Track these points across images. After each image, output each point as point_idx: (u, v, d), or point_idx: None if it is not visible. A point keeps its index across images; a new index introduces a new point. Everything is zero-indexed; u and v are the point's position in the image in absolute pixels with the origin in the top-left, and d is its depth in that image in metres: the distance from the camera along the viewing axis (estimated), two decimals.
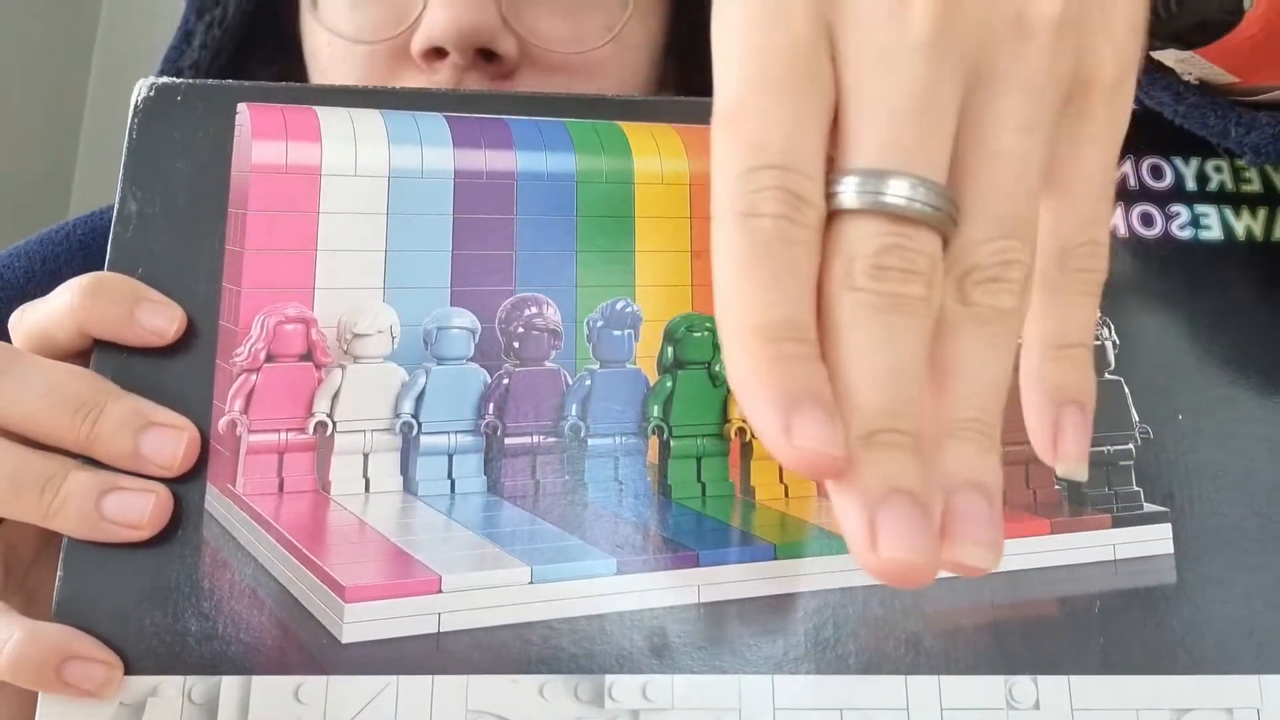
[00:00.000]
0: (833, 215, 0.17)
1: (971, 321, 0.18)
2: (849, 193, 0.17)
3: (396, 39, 0.38)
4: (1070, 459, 0.19)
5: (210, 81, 0.30)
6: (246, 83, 0.30)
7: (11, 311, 0.28)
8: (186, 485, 0.26)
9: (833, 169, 0.18)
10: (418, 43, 0.37)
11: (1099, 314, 0.29)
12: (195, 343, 0.27)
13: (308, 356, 0.28)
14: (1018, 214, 0.18)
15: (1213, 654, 0.27)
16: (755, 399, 0.17)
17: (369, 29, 0.39)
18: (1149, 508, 0.28)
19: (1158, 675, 0.26)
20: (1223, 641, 0.27)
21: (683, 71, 0.45)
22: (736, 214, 0.17)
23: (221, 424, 0.27)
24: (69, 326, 0.27)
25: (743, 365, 0.17)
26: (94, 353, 0.27)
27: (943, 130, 0.18)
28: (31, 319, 0.27)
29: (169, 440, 0.26)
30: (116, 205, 0.29)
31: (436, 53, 0.37)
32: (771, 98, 0.17)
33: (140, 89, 0.30)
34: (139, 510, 0.25)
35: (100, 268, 0.28)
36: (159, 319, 0.27)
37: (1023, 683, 0.26)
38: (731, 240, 0.17)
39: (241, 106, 0.29)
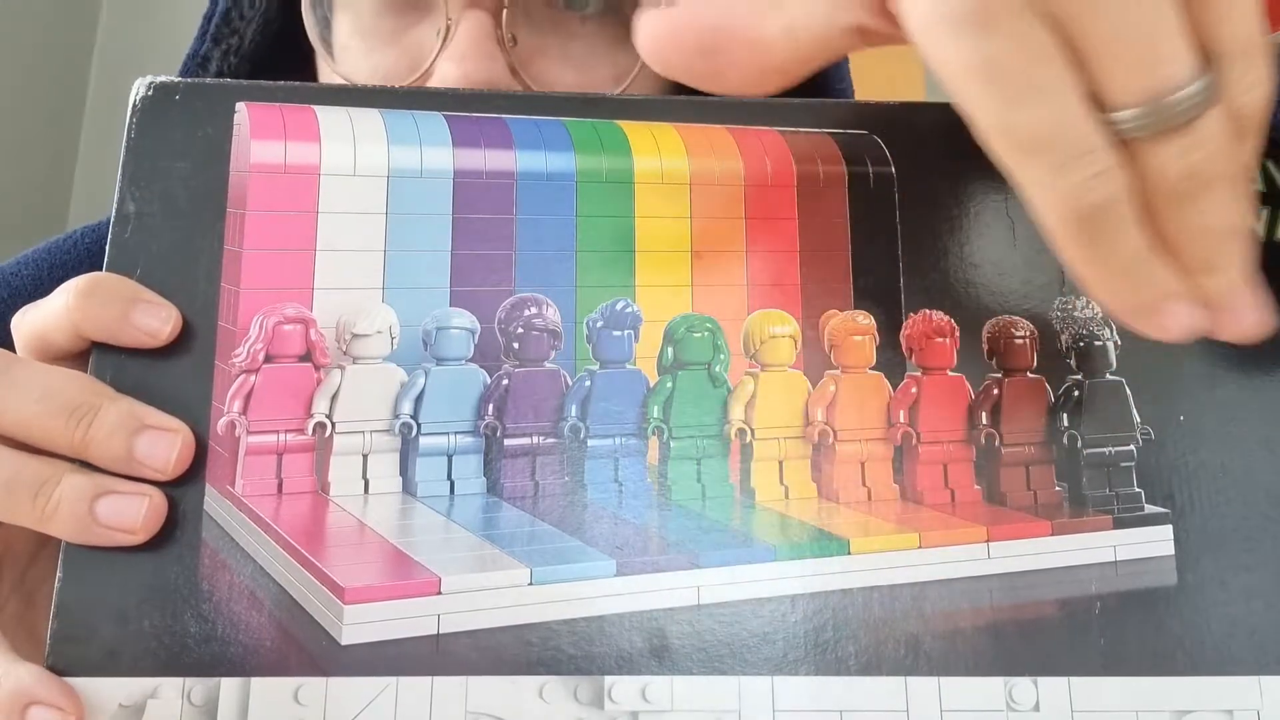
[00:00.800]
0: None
1: None
2: (1132, 126, 0.20)
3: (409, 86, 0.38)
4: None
5: (209, 80, 0.30)
6: (245, 81, 0.30)
7: None
8: (185, 487, 0.26)
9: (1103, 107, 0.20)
10: None
11: (1100, 314, 0.29)
12: (193, 344, 0.27)
13: (306, 357, 0.28)
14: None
15: (1213, 655, 0.27)
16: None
17: (381, 77, 0.39)
18: (1150, 509, 0.28)
19: (1158, 676, 0.26)
20: (1223, 643, 0.27)
21: None
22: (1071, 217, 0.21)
23: (220, 425, 0.27)
24: (65, 328, 0.26)
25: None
26: (92, 354, 0.27)
27: (1177, 31, 0.20)
28: (29, 321, 0.27)
29: (163, 443, 0.26)
30: (115, 205, 0.29)
31: None
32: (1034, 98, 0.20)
33: (138, 88, 0.30)
34: (132, 514, 0.25)
35: None
36: (153, 319, 0.27)
37: (1023, 684, 0.26)
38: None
39: (240, 105, 0.29)
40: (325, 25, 0.40)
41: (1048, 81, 0.20)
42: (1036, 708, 0.26)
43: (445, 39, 0.37)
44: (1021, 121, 0.20)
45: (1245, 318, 0.23)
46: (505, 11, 0.37)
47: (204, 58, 0.44)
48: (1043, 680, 0.26)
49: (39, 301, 0.28)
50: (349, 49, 0.40)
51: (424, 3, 0.38)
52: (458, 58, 0.36)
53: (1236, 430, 0.29)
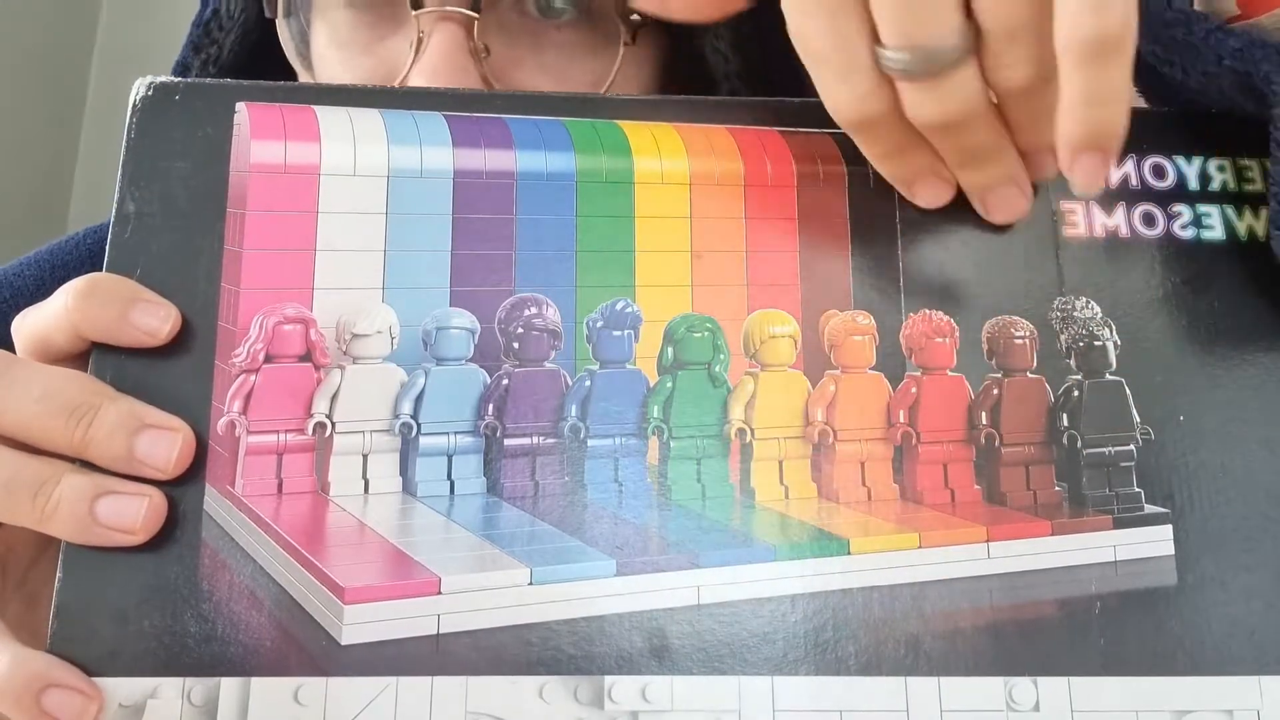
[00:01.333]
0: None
1: None
2: (893, 63, 0.25)
3: None
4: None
5: (209, 80, 0.30)
6: (246, 82, 0.30)
7: None
8: (185, 487, 0.26)
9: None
10: None
11: (1100, 314, 0.29)
12: (194, 343, 0.27)
13: (306, 357, 0.28)
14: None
15: (1213, 655, 0.27)
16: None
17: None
18: (1150, 509, 0.28)
19: (1158, 676, 0.26)
20: (1223, 643, 0.27)
21: None
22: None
23: (220, 425, 0.27)
24: (65, 329, 0.26)
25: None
26: (92, 354, 0.27)
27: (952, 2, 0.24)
28: (30, 323, 0.27)
29: (164, 442, 0.26)
30: (115, 205, 0.29)
31: None
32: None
33: (139, 88, 0.30)
34: (132, 514, 0.25)
35: None
36: (152, 318, 0.27)
37: (1023, 684, 0.26)
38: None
39: (240, 105, 0.29)
40: (303, 38, 0.41)
41: (837, 6, 0.25)
42: (1036, 708, 0.26)
43: (418, 51, 0.36)
44: (810, 32, 0.25)
45: (991, 205, 0.29)
46: (477, 23, 0.36)
47: (184, 66, 0.44)
48: (1042, 680, 0.26)
49: (39, 304, 0.28)
50: (325, 59, 0.40)
51: (398, 15, 0.38)
52: (429, 71, 0.36)
53: (1236, 430, 0.29)
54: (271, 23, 0.41)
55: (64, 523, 0.25)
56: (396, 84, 0.37)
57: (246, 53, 0.44)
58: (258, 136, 0.29)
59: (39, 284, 0.47)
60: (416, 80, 0.36)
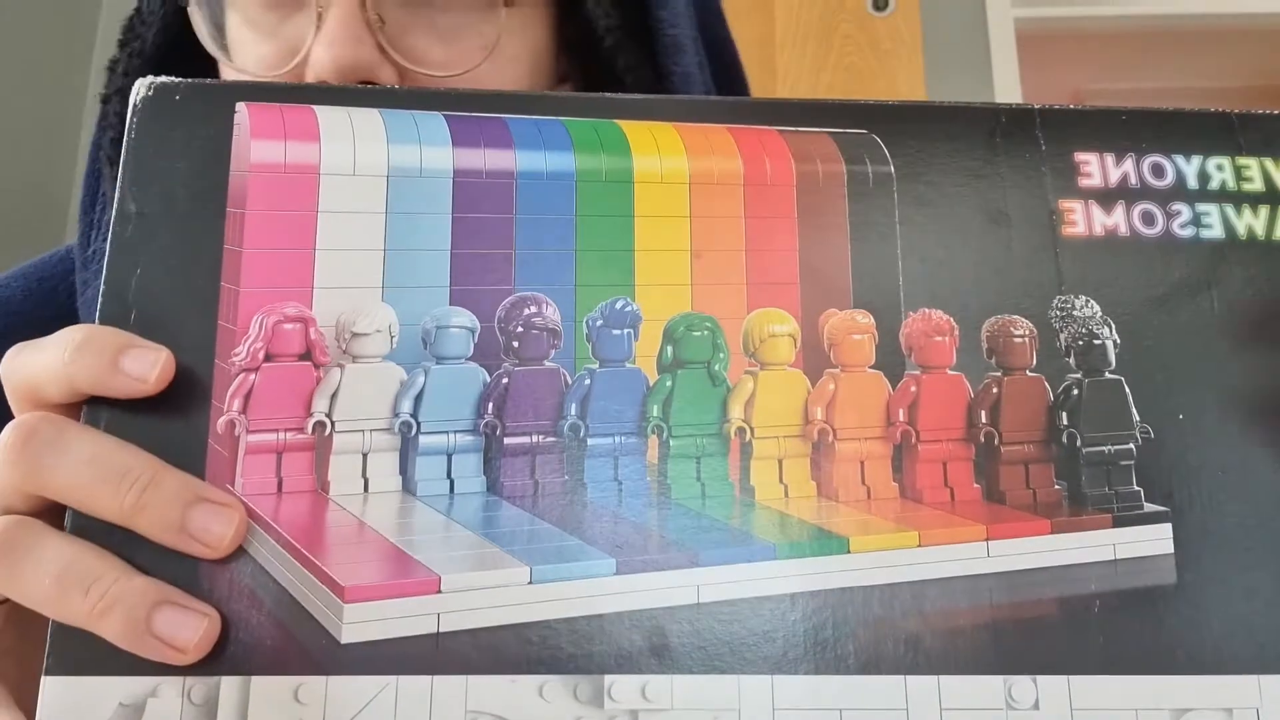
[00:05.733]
0: None
1: None
2: None
3: (290, 73, 0.40)
4: None
5: (210, 81, 0.30)
6: (247, 81, 0.30)
7: (11, 329, 0.28)
8: None
9: None
10: (308, 77, 0.39)
11: (1100, 313, 0.29)
12: (194, 343, 0.27)
13: (306, 356, 0.28)
14: None
15: (1213, 654, 0.27)
16: None
17: (266, 65, 0.41)
18: (1149, 507, 0.28)
19: (1157, 675, 0.26)
20: (1223, 641, 0.27)
21: (584, 67, 0.46)
22: None
23: (220, 424, 0.27)
24: (60, 381, 0.26)
25: None
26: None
27: None
28: (21, 369, 0.27)
29: (219, 518, 0.25)
30: (116, 204, 0.29)
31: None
32: None
33: (139, 88, 0.30)
34: (189, 633, 0.24)
35: None
36: (140, 364, 0.26)
37: (1022, 683, 0.26)
38: None
39: (240, 105, 0.29)
40: (217, 25, 0.43)
41: None
42: (1036, 706, 0.26)
43: (318, 26, 0.39)
44: None
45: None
46: None
47: (114, 61, 0.46)
48: (1042, 679, 0.26)
49: (32, 344, 0.27)
50: (239, 42, 0.42)
51: None
52: (328, 42, 0.39)
53: (1236, 429, 0.29)
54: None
55: (116, 626, 0.24)
56: (299, 58, 0.40)
57: (168, 45, 0.45)
58: (258, 136, 0.29)
59: (26, 293, 0.47)
60: (317, 52, 0.39)
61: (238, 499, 0.26)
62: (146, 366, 0.26)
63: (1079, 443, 0.28)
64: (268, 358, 0.27)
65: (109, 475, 0.25)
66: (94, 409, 0.27)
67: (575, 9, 0.44)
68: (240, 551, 0.26)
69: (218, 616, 0.25)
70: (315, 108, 0.30)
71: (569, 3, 0.44)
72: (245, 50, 0.41)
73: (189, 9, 0.43)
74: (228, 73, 0.43)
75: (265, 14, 0.41)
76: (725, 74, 0.50)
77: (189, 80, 0.30)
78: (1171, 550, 0.28)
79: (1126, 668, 0.26)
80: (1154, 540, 0.28)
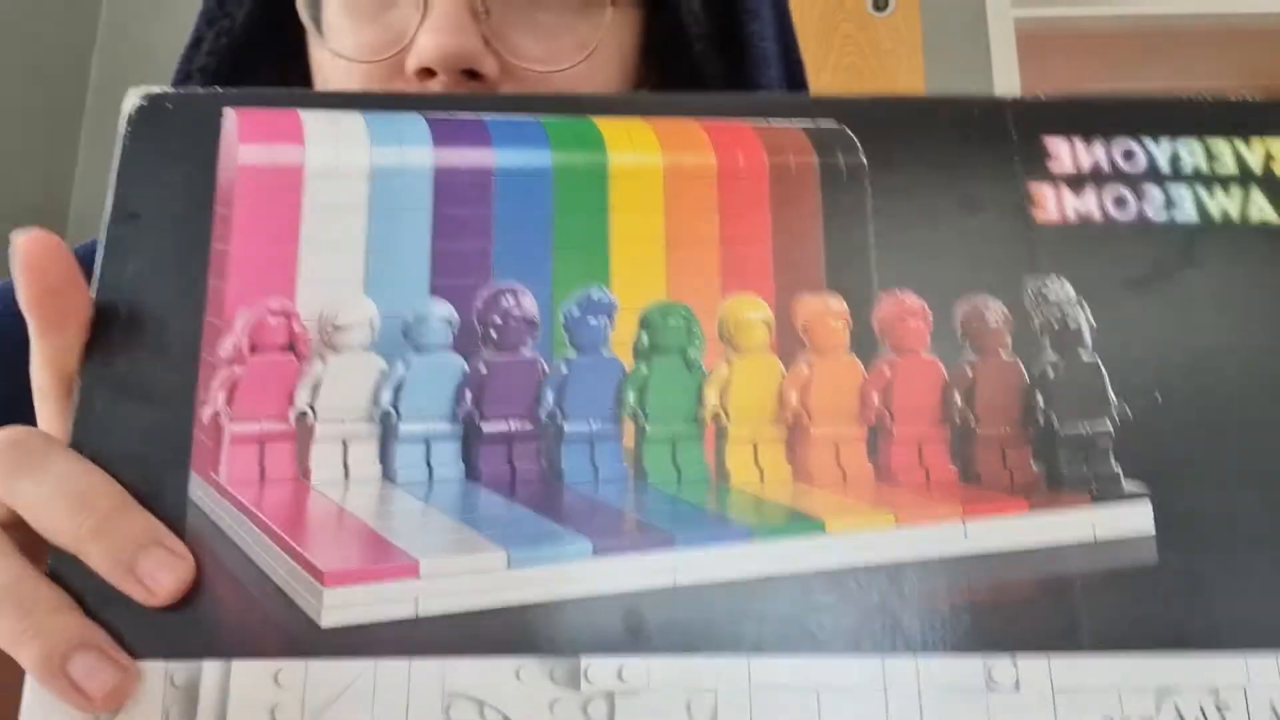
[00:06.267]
0: None
1: None
2: None
3: (392, 59, 0.41)
4: None
5: (199, 90, 0.31)
6: (234, 90, 0.31)
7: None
8: (170, 474, 0.27)
9: None
10: (410, 64, 0.40)
11: (1074, 295, 0.30)
12: (182, 338, 0.28)
13: (290, 348, 0.28)
14: None
15: (1197, 633, 0.26)
16: None
17: (367, 50, 0.41)
18: (1129, 488, 0.28)
19: (1140, 655, 0.26)
20: (1207, 621, 0.27)
21: (661, 72, 0.46)
22: None
23: (205, 415, 0.27)
24: (61, 538, 0.26)
25: None
26: (84, 365, 0.28)
27: None
28: (19, 502, 0.26)
29: (169, 567, 0.25)
30: (109, 207, 0.30)
31: (427, 72, 0.40)
32: None
33: (131, 98, 0.31)
34: (100, 682, 0.24)
35: None
36: (159, 573, 0.25)
37: (1002, 663, 0.26)
38: None
39: (228, 111, 0.30)
40: (315, 5, 0.43)
41: None
42: (1016, 686, 0.26)
43: (424, 13, 0.40)
44: None
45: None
46: None
47: (197, 40, 0.46)
48: (1022, 659, 0.26)
49: (31, 464, 0.26)
50: (337, 27, 0.43)
51: None
52: (434, 30, 0.39)
53: (1215, 410, 0.29)
54: None
55: (32, 657, 0.24)
56: (404, 45, 0.40)
57: (259, 25, 0.46)
58: (245, 139, 0.30)
59: (4, 306, 0.48)
60: (423, 39, 0.40)
61: (191, 556, 0.26)
62: (165, 579, 0.25)
63: (1056, 424, 0.28)
64: (252, 350, 0.28)
65: (72, 499, 0.25)
66: (92, 363, 0.27)
67: (664, 14, 0.45)
68: (223, 537, 0.26)
69: (193, 562, 0.26)
70: (300, 111, 0.31)
71: (658, 7, 0.45)
72: (344, 36, 0.42)
73: None
74: (322, 57, 0.43)
75: (365, 1, 0.42)
76: (796, 89, 0.51)
77: (179, 90, 0.31)
78: (1152, 531, 0.27)
79: (1109, 647, 0.26)
80: (1134, 521, 0.28)
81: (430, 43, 0.39)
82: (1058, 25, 1.82)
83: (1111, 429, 0.28)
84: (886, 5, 1.68)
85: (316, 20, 0.43)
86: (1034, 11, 1.78)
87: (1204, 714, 0.26)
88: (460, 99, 0.32)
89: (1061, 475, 0.28)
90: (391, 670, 0.25)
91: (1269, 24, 1.80)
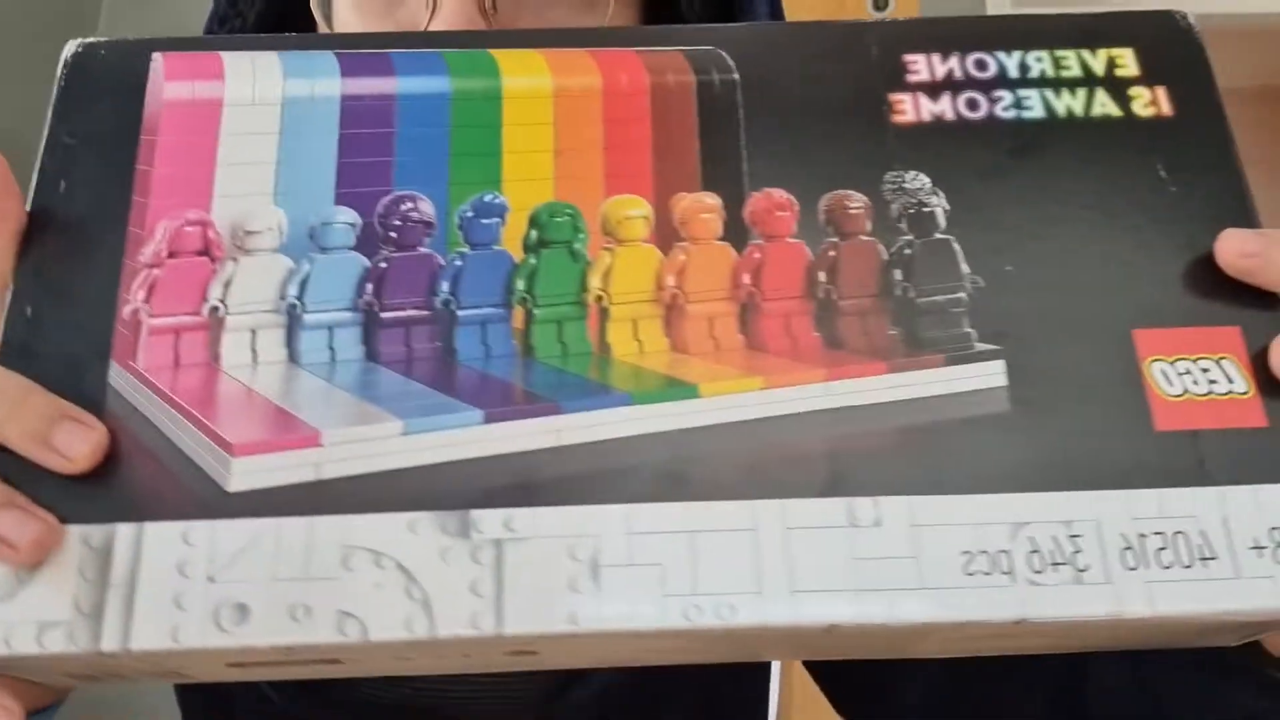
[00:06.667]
0: None
1: None
2: None
3: None
4: None
5: (130, 38, 0.34)
6: (162, 37, 0.34)
7: None
8: (91, 363, 0.29)
9: None
10: None
11: (930, 184, 0.32)
12: (106, 246, 0.31)
13: (205, 253, 0.31)
14: None
15: (1049, 474, 0.28)
16: None
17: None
18: (981, 347, 0.30)
19: (995, 494, 0.28)
20: (1058, 463, 0.29)
21: None
22: None
23: (126, 311, 0.30)
24: None
25: None
26: (14, 275, 0.30)
27: None
28: None
29: (81, 436, 0.27)
30: (44, 140, 0.32)
31: None
32: None
33: (69, 48, 0.34)
34: (22, 533, 0.26)
35: None
36: (72, 442, 0.27)
37: (864, 503, 0.28)
38: None
39: (156, 55, 0.33)
40: (326, 2, 0.45)
41: None
42: (878, 524, 0.28)
43: (433, 10, 0.41)
44: None
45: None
46: None
47: (211, 34, 0.47)
48: (883, 499, 0.28)
49: None
50: (347, 24, 0.44)
51: None
52: (444, 25, 0.40)
53: (1061, 276, 0.31)
54: None
55: (14, 434, 0.27)
56: None
57: (270, 24, 0.47)
58: (170, 78, 0.33)
59: None
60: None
61: (101, 426, 0.28)
62: (78, 446, 0.28)
63: (912, 295, 0.31)
64: (170, 256, 0.31)
65: None
66: (23, 273, 0.30)
67: (664, 6, 0.46)
68: (139, 416, 0.29)
69: (105, 431, 0.28)
70: (222, 54, 0.34)
71: (659, 3, 0.46)
72: (352, 28, 0.43)
73: None
74: None
75: (375, 0, 0.43)
76: None
77: (112, 39, 0.34)
78: (1005, 384, 0.30)
79: (965, 488, 0.28)
80: (986, 376, 0.30)
81: None
82: None
83: (965, 296, 0.31)
84: (886, 5, 1.71)
85: (328, 17, 0.45)
86: (1033, 11, 1.80)
87: (1057, 544, 0.28)
88: (371, 38, 0.35)
89: (918, 338, 0.30)
90: (293, 527, 0.27)
91: (1269, 24, 1.80)
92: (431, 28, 0.41)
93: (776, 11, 0.52)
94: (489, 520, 0.27)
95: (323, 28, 0.45)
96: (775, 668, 0.60)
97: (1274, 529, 0.28)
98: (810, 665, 0.55)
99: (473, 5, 0.41)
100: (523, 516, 0.28)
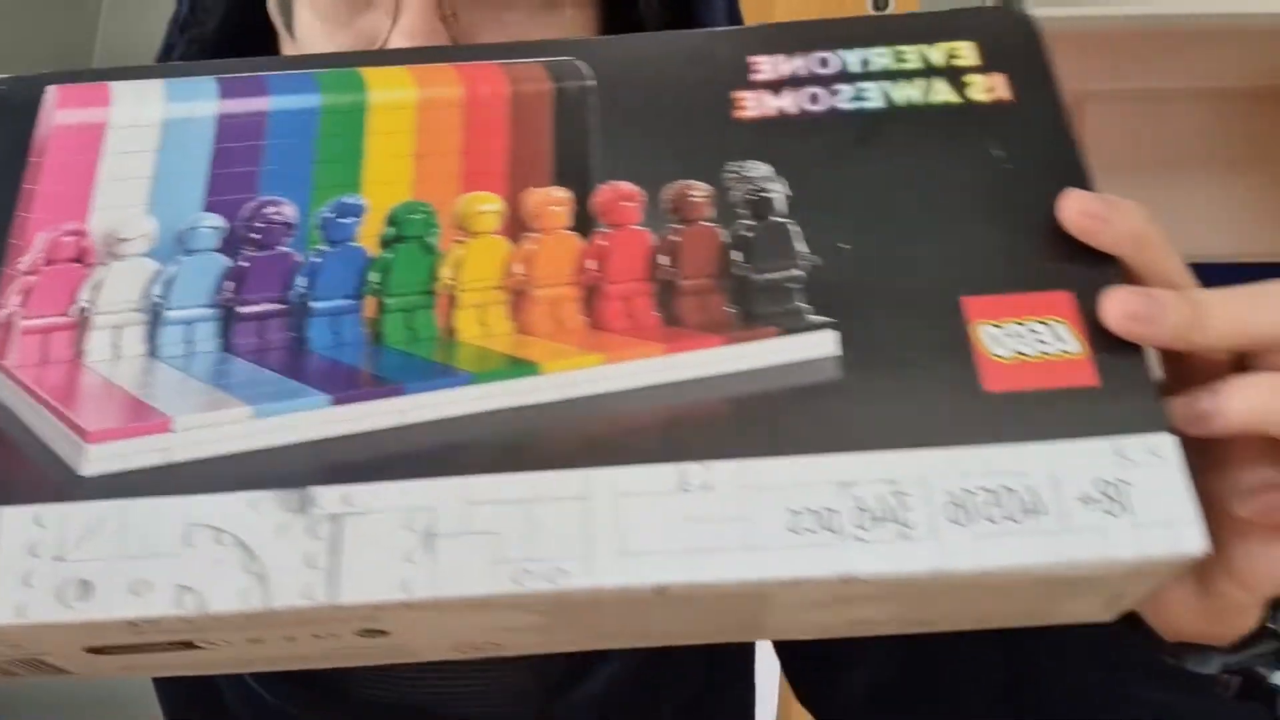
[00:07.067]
0: None
1: None
2: None
3: None
4: None
5: (27, 75, 0.37)
6: (58, 71, 0.37)
7: None
8: None
9: None
10: None
11: (771, 172, 0.34)
12: None
13: (79, 260, 0.32)
14: None
15: (876, 435, 0.29)
16: None
17: None
18: (814, 319, 0.31)
19: (823, 454, 0.29)
20: (885, 424, 0.29)
21: None
22: None
23: (1, 316, 0.31)
24: None
25: None
26: None
27: None
28: None
29: None
30: None
31: None
32: None
33: None
34: None
35: None
36: None
37: (694, 468, 0.29)
38: None
39: (50, 87, 0.36)
40: (288, 11, 0.46)
41: None
42: (708, 487, 0.28)
43: (395, 18, 0.43)
44: None
45: None
46: None
47: (169, 47, 0.49)
48: (714, 463, 0.29)
49: None
50: (309, 31, 0.46)
51: None
52: (406, 34, 0.42)
53: (895, 254, 0.32)
54: (254, 2, 0.46)
55: None
56: (377, 49, 0.42)
57: (231, 32, 0.49)
58: (61, 106, 0.35)
59: None
60: (397, 44, 0.42)
61: None
62: None
63: (750, 275, 0.32)
64: (47, 264, 0.32)
65: None
66: None
67: (623, 11, 0.47)
68: (6, 412, 0.30)
69: None
70: (110, 83, 0.36)
71: (617, 5, 0.47)
72: (316, 40, 0.45)
73: None
74: None
75: (339, 5, 0.44)
76: None
77: (10, 76, 0.37)
78: (837, 354, 0.30)
79: (794, 449, 0.29)
80: (820, 345, 0.31)
81: (403, 46, 0.41)
82: (1058, 25, 1.81)
83: (801, 274, 0.32)
84: (886, 5, 1.73)
85: (289, 25, 0.46)
86: (1034, 12, 1.80)
87: (883, 502, 0.28)
88: (251, 62, 0.37)
89: (755, 314, 0.31)
90: (139, 507, 0.28)
91: (1269, 24, 1.78)
92: (393, 35, 0.42)
93: (734, 11, 0.53)
94: (328, 496, 0.28)
95: (283, 35, 0.47)
96: (775, 668, 0.60)
97: (1103, 482, 0.28)
98: (777, 648, 0.55)
99: (434, 12, 0.42)
100: (361, 492, 0.28)
